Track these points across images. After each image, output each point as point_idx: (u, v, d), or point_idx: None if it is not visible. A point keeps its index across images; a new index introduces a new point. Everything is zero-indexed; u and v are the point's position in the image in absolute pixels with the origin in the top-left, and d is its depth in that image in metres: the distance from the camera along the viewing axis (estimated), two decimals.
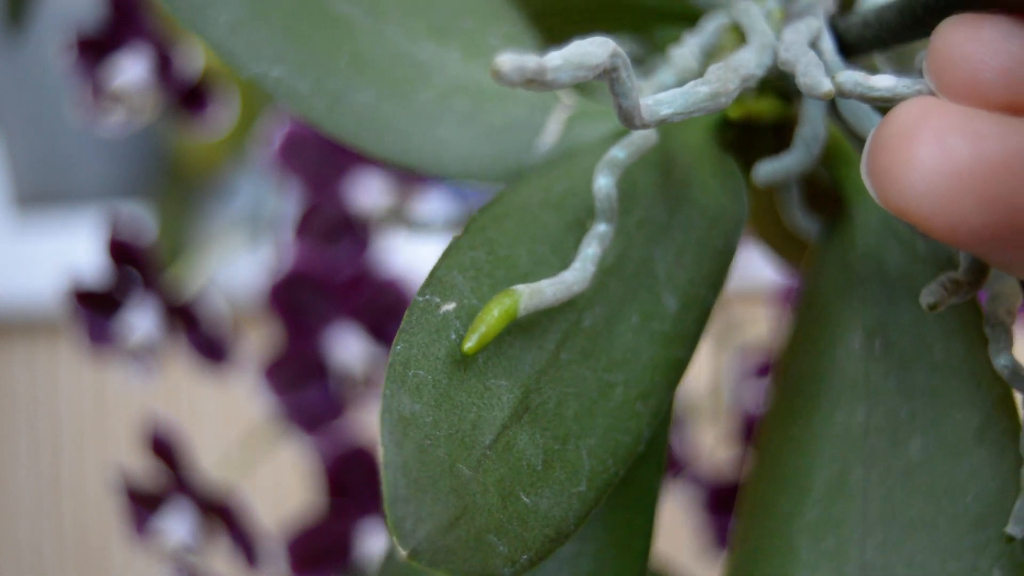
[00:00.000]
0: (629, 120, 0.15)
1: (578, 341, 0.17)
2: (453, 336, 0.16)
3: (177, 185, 0.54)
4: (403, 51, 0.21)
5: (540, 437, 0.16)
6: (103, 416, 1.01)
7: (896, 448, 0.19)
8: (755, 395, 0.51)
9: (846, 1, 0.21)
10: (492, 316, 0.16)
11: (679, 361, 0.18)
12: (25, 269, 0.97)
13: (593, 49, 0.14)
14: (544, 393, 0.17)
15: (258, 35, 0.20)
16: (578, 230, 0.18)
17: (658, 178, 0.19)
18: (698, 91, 0.16)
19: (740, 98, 0.21)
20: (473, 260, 0.17)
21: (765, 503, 0.20)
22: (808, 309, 0.22)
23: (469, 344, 0.16)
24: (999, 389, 0.19)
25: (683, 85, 0.19)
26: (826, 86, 0.16)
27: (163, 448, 0.48)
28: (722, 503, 0.49)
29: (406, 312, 0.16)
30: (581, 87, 0.22)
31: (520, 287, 0.16)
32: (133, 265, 0.42)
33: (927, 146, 0.14)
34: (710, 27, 0.21)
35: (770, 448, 0.21)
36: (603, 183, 0.18)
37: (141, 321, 0.42)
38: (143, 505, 0.51)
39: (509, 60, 0.13)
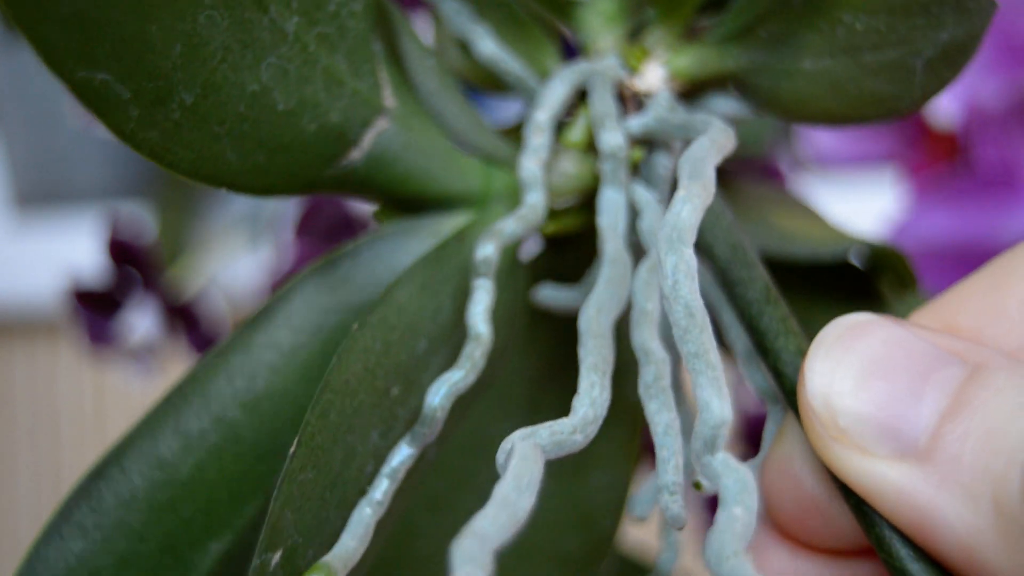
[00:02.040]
0: None
1: None
2: None
3: (177, 185, 0.54)
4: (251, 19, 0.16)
5: None
6: (103, 416, 1.01)
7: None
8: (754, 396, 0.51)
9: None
10: None
11: None
12: (25, 269, 0.97)
13: (522, 504, 0.12)
14: None
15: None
16: (391, 419, 0.17)
17: (448, 305, 0.18)
18: (563, 435, 0.15)
19: (560, 215, 0.20)
20: (302, 487, 0.15)
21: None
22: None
23: None
24: None
25: (525, 233, 0.18)
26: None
27: None
28: None
29: None
30: (405, 81, 0.19)
31: (332, 561, 0.15)
32: (133, 265, 0.42)
33: None
34: (559, 91, 0.19)
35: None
36: (404, 451, 0.16)
37: (141, 321, 0.42)
38: None
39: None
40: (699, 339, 0.14)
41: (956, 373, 0.13)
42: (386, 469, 0.16)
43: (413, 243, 0.19)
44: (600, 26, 0.21)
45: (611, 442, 0.20)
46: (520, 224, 0.18)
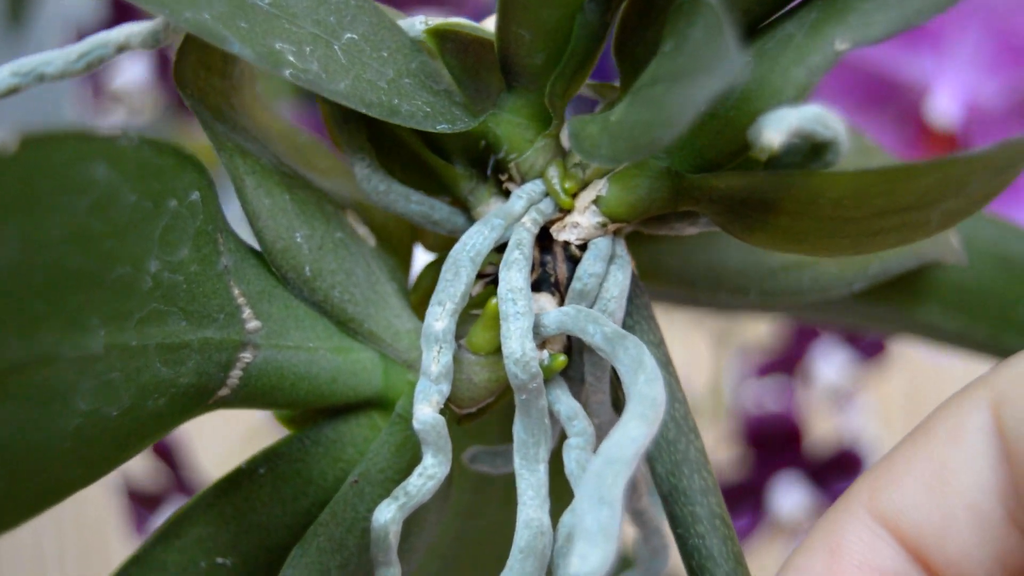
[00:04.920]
0: None
1: None
2: None
3: None
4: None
5: None
6: None
7: None
8: (755, 395, 0.51)
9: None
10: None
11: None
12: None
13: None
14: None
15: None
16: None
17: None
18: None
19: (476, 412, 0.18)
20: None
21: None
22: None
23: None
24: None
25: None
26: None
27: (163, 448, 0.48)
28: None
29: None
30: (271, 278, 0.17)
31: None
32: None
33: None
34: (462, 281, 0.16)
35: None
36: None
37: None
38: (143, 505, 0.51)
39: None
40: None
41: None
42: None
43: (314, 477, 0.17)
44: (518, 137, 0.17)
45: None
46: (421, 488, 0.16)
